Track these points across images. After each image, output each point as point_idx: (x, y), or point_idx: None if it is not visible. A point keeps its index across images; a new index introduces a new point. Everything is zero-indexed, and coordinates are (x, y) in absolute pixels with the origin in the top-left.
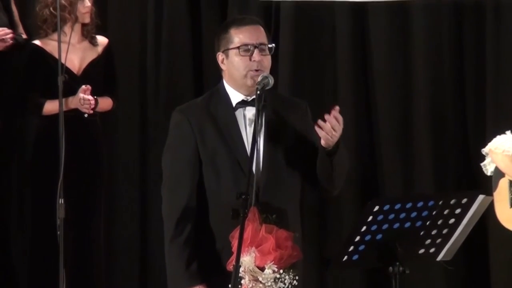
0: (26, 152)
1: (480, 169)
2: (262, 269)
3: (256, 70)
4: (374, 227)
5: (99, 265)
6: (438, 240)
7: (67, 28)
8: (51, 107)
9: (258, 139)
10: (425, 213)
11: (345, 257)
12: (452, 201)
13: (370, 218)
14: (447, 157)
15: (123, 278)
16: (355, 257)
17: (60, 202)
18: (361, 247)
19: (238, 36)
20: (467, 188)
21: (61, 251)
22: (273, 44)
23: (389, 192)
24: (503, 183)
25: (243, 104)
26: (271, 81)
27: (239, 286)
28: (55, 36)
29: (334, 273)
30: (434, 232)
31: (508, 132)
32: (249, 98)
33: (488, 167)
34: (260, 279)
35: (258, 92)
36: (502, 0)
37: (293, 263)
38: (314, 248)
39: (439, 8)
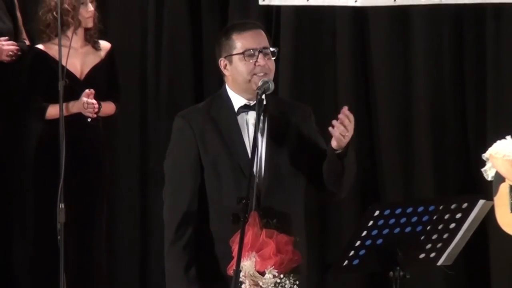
0: (28, 156)
1: (480, 174)
2: (262, 273)
3: (261, 74)
4: (374, 232)
5: (100, 269)
6: (439, 245)
7: (70, 33)
8: (53, 111)
9: (261, 144)
10: (425, 218)
11: (346, 262)
12: (453, 206)
13: (371, 222)
14: (447, 161)
15: (124, 281)
16: (356, 261)
17: (60, 206)
18: (362, 252)
19: (241, 41)
20: (468, 192)
21: (62, 255)
22: (276, 48)
23: (389, 196)
24: (503, 188)
25: (245, 108)
26: (272, 86)
27: None
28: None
29: (334, 278)
30: (434, 236)
31: (508, 137)
32: (252, 103)
33: (488, 172)
34: (261, 283)
35: (259, 97)
36: (502, 4)
37: (296, 267)
38: (315, 252)
39: (439, 11)
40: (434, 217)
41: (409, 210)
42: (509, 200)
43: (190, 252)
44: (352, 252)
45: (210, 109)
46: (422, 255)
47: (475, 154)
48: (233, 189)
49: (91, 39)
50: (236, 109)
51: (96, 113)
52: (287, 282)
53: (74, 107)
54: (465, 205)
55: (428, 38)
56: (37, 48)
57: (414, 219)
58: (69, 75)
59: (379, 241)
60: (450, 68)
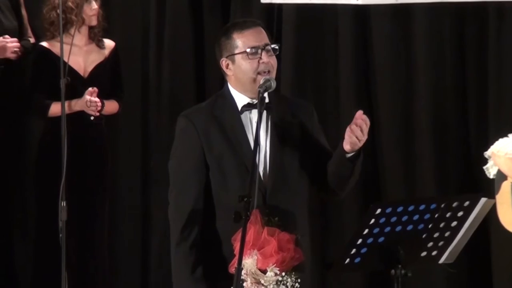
0: (31, 154)
1: (482, 172)
2: (264, 271)
3: (265, 72)
4: (376, 230)
5: (102, 268)
6: (440, 243)
7: (73, 31)
8: (56, 109)
9: (265, 142)
10: (427, 216)
11: (347, 260)
12: (455, 204)
13: (373, 221)
14: (449, 159)
15: (125, 280)
16: (357, 260)
17: (62, 204)
18: (363, 250)
19: (242, 40)
20: (469, 191)
21: (63, 253)
22: (278, 44)
23: (391, 195)
24: (505, 186)
25: (248, 107)
26: (273, 84)
27: None
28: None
29: (336, 276)
30: (436, 235)
31: (510, 135)
32: (255, 101)
33: (490, 170)
34: (262, 281)
35: (260, 95)
36: (504, 2)
37: (297, 265)
38: (317, 250)
39: (441, 10)
40: (436, 215)
41: (411, 208)
42: (511, 198)
43: (196, 252)
44: (353, 250)
45: (213, 109)
46: (423, 253)
47: (477, 152)
48: (238, 187)
49: (95, 37)
50: (239, 108)
51: (99, 111)
52: (289, 280)
53: (77, 105)
54: (467, 203)
55: (430, 36)
56: (41, 46)
57: (416, 217)
58: (73, 73)
59: (381, 239)
60: (452, 66)
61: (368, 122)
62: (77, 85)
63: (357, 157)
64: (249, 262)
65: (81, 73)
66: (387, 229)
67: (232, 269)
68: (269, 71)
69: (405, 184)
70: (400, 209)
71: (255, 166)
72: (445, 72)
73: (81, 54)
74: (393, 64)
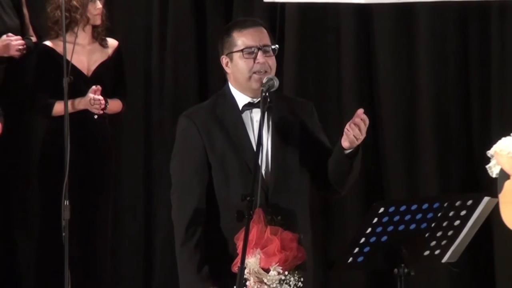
0: (34, 153)
1: (485, 171)
2: (267, 270)
3: (261, 72)
4: (379, 229)
5: (105, 266)
6: (443, 242)
7: (77, 30)
8: (60, 108)
9: (267, 141)
10: (430, 215)
11: (350, 259)
12: (458, 203)
13: (375, 219)
14: (452, 159)
15: (127, 279)
16: (360, 258)
17: (65, 203)
18: (366, 249)
19: (241, 39)
20: (472, 190)
21: (66, 252)
22: (277, 45)
23: (394, 194)
24: (508, 185)
25: (249, 106)
26: (276, 83)
27: None
28: (66, 37)
29: (339, 275)
30: (439, 233)
31: None
32: (255, 100)
33: (493, 169)
34: (265, 280)
35: (263, 94)
36: (507, 1)
37: (300, 264)
38: (319, 249)
39: (444, 9)
40: (439, 214)
41: (414, 207)
42: None
43: (201, 251)
44: (356, 249)
45: (215, 108)
46: (426, 252)
47: (479, 151)
48: (240, 186)
49: (98, 37)
50: (240, 107)
51: (102, 109)
52: (292, 279)
53: (80, 103)
54: (469, 202)
55: (432, 35)
56: (45, 45)
57: (419, 216)
58: (76, 71)
59: (384, 238)
60: (454, 65)
61: (367, 121)
62: (80, 84)
63: (356, 154)
64: (252, 261)
65: (85, 72)
66: (390, 228)
67: (235, 268)
68: (265, 71)
69: (407, 183)
70: (403, 208)
71: (257, 165)
72: (448, 71)
73: (84, 53)
74: (395, 63)
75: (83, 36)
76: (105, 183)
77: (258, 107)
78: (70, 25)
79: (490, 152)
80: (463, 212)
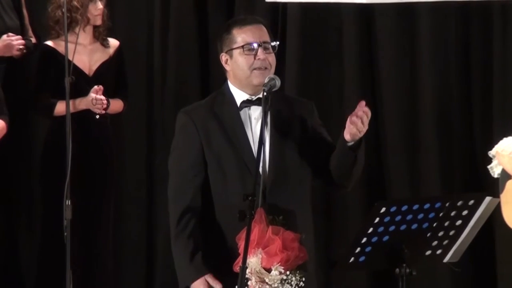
0: (36, 153)
1: (486, 171)
2: (268, 270)
3: (261, 68)
4: (380, 229)
5: (107, 266)
6: (445, 242)
7: (78, 30)
8: (62, 108)
9: (266, 139)
10: (432, 215)
11: (352, 259)
12: (459, 203)
13: (377, 219)
14: (453, 159)
15: (130, 278)
16: (362, 258)
17: (67, 203)
18: (368, 249)
19: (241, 36)
20: (474, 190)
21: (68, 251)
22: (277, 42)
23: (395, 194)
24: (510, 185)
25: (248, 103)
26: (278, 82)
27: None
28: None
29: (340, 275)
30: (441, 233)
31: None
32: (254, 97)
33: (495, 169)
34: (267, 280)
35: (265, 93)
36: (509, 1)
37: (302, 264)
38: (320, 249)
39: (446, 9)
40: (441, 214)
41: (416, 207)
42: None
43: (194, 240)
44: (358, 249)
45: (213, 105)
46: (428, 252)
47: (481, 151)
48: (238, 184)
49: (99, 36)
50: (238, 104)
51: (104, 109)
52: (293, 279)
53: (82, 103)
54: (471, 202)
55: (434, 35)
56: (46, 45)
57: (421, 216)
58: (78, 71)
59: (385, 238)
60: (456, 65)
61: (369, 114)
62: (82, 84)
63: (359, 146)
64: (254, 261)
65: (86, 71)
66: (392, 227)
67: (236, 268)
68: (265, 68)
69: (409, 183)
70: (405, 208)
71: (258, 164)
72: (450, 71)
73: (86, 53)
74: (397, 63)
75: (84, 36)
76: (106, 182)
77: (256, 104)
78: (71, 25)
79: (491, 153)
80: (465, 212)
